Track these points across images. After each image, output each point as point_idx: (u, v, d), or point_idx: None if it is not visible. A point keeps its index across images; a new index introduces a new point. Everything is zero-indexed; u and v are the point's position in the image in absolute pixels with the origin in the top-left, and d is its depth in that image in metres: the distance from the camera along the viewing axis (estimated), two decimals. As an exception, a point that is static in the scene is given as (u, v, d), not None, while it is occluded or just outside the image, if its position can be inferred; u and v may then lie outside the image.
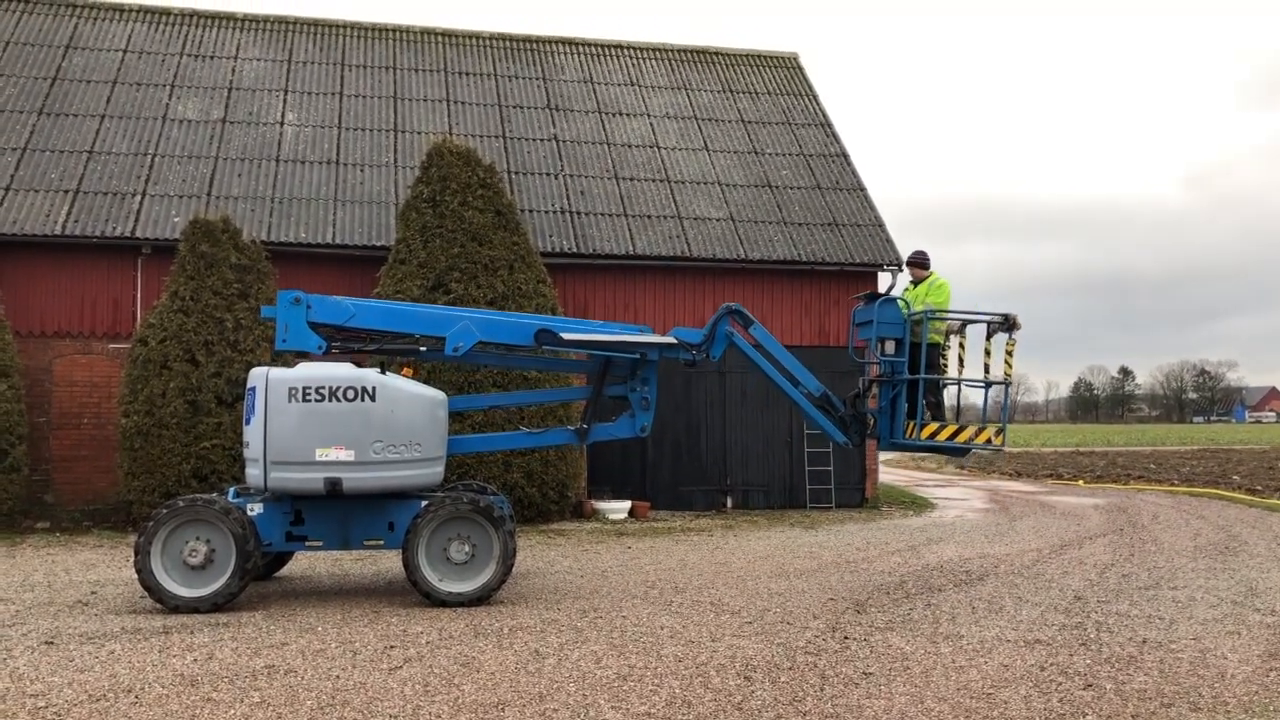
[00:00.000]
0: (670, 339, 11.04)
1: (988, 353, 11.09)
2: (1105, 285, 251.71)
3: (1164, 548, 14.52)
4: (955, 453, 11.57)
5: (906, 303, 11.25)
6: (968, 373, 11.54)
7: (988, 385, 11.17)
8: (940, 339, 11.32)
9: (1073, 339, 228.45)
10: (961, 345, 11.48)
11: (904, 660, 7.78)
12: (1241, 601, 10.36)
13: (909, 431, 10.92)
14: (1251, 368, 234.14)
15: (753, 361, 11.33)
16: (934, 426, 10.93)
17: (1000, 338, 11.03)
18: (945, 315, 11.28)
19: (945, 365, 11.35)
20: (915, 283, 11.88)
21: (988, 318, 11.06)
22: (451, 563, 9.89)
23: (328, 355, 10.49)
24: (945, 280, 11.68)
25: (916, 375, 10.92)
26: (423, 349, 10.77)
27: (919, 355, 10.97)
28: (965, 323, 11.40)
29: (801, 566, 12.64)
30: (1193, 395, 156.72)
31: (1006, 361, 11.01)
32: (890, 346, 11.12)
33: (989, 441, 10.99)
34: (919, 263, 11.99)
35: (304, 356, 10.98)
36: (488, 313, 11.89)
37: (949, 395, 11.55)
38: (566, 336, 10.71)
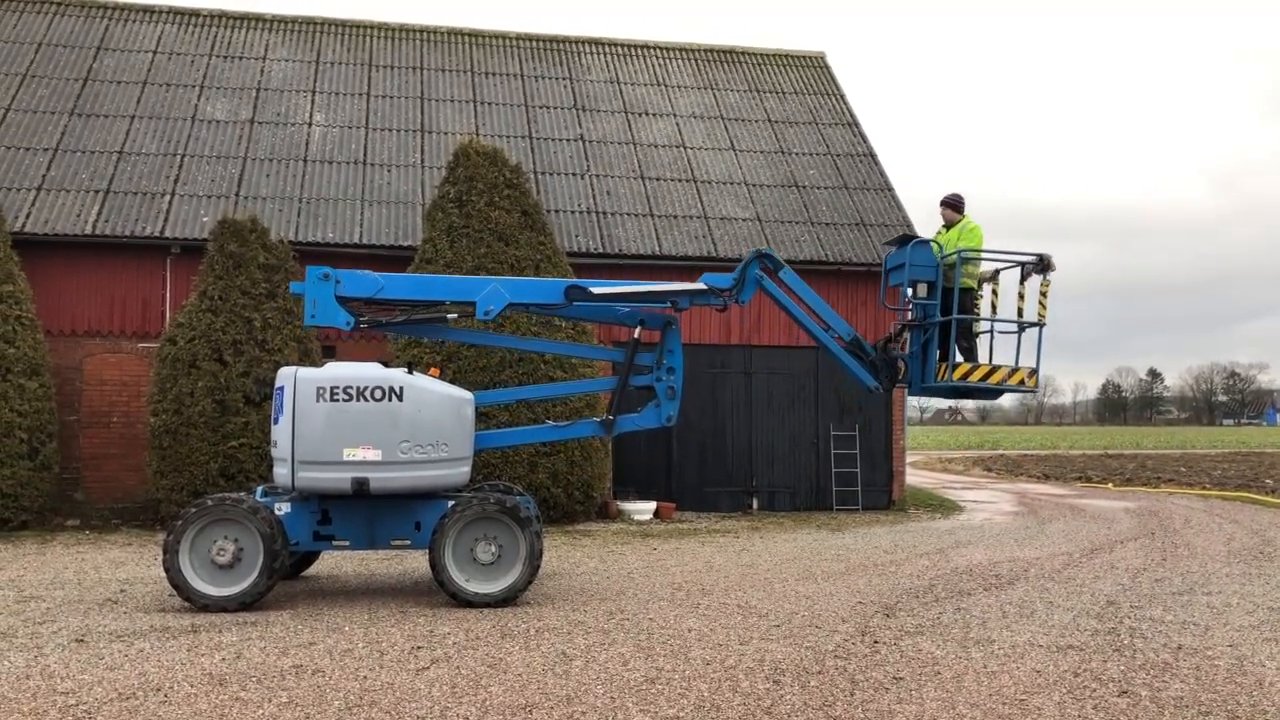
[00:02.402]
0: (700, 285, 10.95)
1: (1021, 296, 10.93)
2: (1131, 288, 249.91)
3: (1197, 552, 14.33)
4: (987, 395, 11.35)
5: (939, 245, 11.07)
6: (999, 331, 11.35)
7: (1022, 328, 11.00)
8: (973, 284, 11.14)
9: (1100, 341, 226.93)
10: (995, 293, 11.28)
11: (934, 665, 7.69)
12: (1278, 608, 10.20)
13: (941, 374, 10.79)
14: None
15: (782, 306, 11.22)
16: (966, 367, 10.81)
17: (1033, 280, 10.85)
18: (978, 256, 11.09)
19: (978, 312, 11.21)
20: (947, 226, 11.57)
21: (1021, 258, 10.90)
22: (478, 563, 9.87)
23: (356, 330, 10.49)
24: (977, 224, 11.39)
25: (948, 317, 10.76)
26: (451, 316, 10.69)
27: (951, 301, 10.81)
28: (998, 270, 11.23)
29: (829, 569, 12.55)
30: (1222, 397, 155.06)
31: (1041, 303, 10.83)
32: (923, 289, 10.93)
33: (1022, 383, 10.83)
34: (953, 204, 11.64)
35: (333, 356, 11.01)
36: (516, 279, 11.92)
37: (982, 345, 11.33)
38: (596, 291, 10.71)
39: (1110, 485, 28.78)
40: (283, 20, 23.42)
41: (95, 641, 8.17)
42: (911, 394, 11.61)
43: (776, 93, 24.41)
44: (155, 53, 21.72)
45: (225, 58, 22.04)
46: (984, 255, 11.13)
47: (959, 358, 10.95)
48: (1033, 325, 10.96)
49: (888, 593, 10.85)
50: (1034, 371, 10.91)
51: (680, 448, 19.63)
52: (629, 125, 22.53)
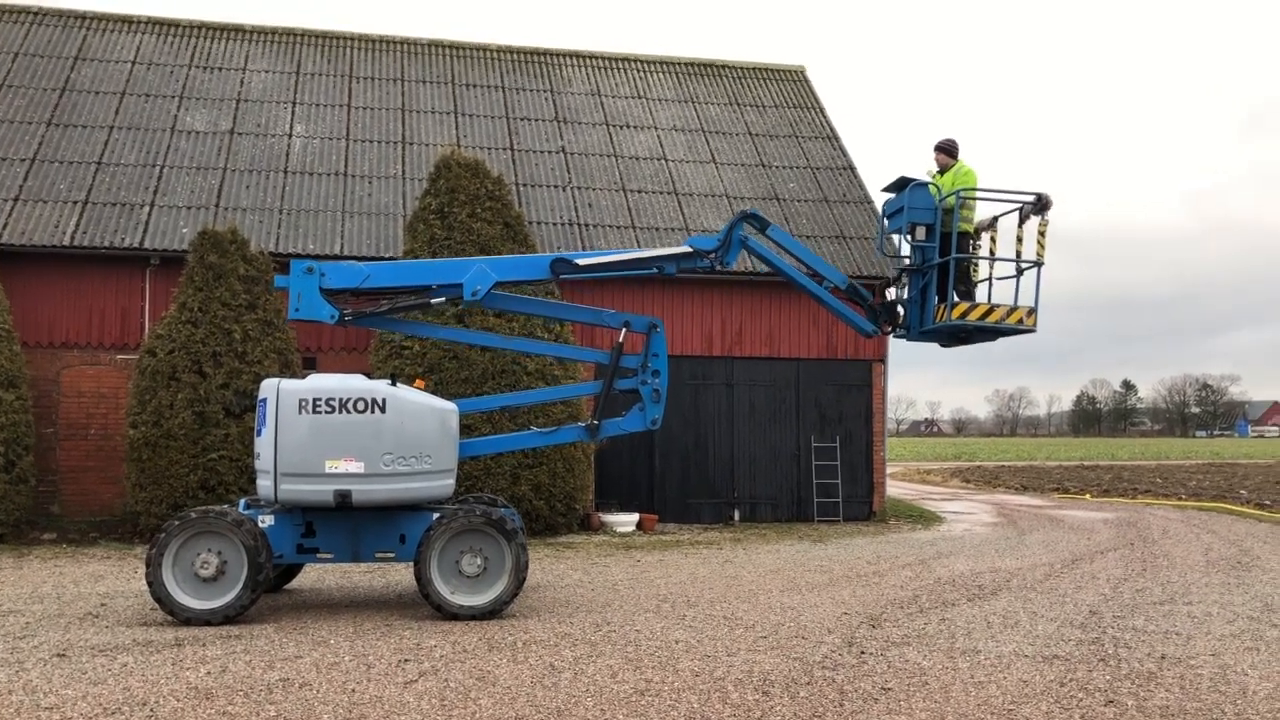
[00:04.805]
0: (686, 248, 10.93)
1: (1019, 240, 10.88)
2: (1104, 301, 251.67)
3: (1176, 563, 14.45)
4: (986, 335, 11.22)
5: (938, 187, 11.03)
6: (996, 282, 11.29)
7: (1020, 270, 10.93)
8: (970, 229, 11.11)
9: (1074, 353, 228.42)
10: (993, 240, 11.22)
11: (922, 676, 7.71)
12: (1258, 617, 10.30)
13: (939, 315, 10.75)
14: (1253, 382, 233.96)
15: (769, 263, 11.21)
16: (964, 306, 10.75)
17: (1031, 222, 10.80)
18: (975, 196, 11.07)
19: (975, 259, 11.19)
20: (941, 171, 11.47)
21: (1019, 198, 10.85)
22: (464, 575, 9.83)
23: (341, 324, 10.44)
24: (971, 168, 11.33)
25: (946, 257, 10.71)
26: (437, 300, 10.64)
27: (949, 246, 10.79)
28: (996, 217, 11.17)
29: (813, 580, 12.57)
30: (1195, 409, 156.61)
31: (1039, 243, 10.79)
32: (921, 232, 10.89)
33: (1020, 322, 10.79)
34: (946, 149, 11.54)
35: (314, 368, 10.95)
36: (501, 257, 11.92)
37: (981, 294, 11.26)
38: (581, 263, 10.72)
39: (1088, 496, 28.97)
40: (262, 31, 23.35)
41: (77, 656, 8.08)
42: (910, 339, 11.44)
43: (757, 106, 24.53)
44: (134, 63, 21.61)
45: (205, 68, 21.95)
46: (981, 196, 11.09)
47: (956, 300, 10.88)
48: (1032, 265, 10.89)
49: (872, 604, 10.88)
50: (1032, 310, 10.85)
51: (662, 459, 19.64)
52: (610, 138, 22.58)
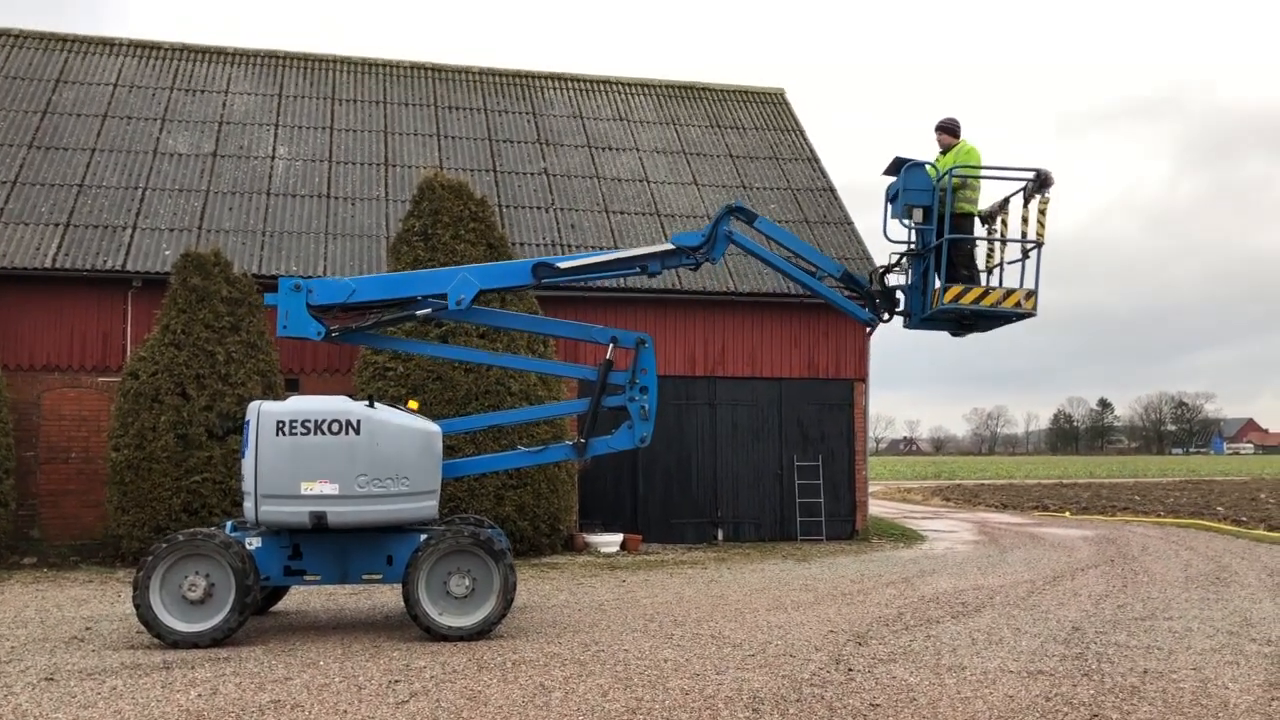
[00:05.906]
0: (669, 246, 10.79)
1: (1024, 219, 10.55)
2: (1079, 321, 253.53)
3: (1156, 579, 14.60)
4: (989, 320, 10.77)
5: (935, 167, 10.78)
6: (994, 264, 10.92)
7: (1025, 253, 10.55)
8: (972, 209, 10.78)
9: (1052, 372, 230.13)
10: (1004, 223, 10.89)
11: (909, 692, 7.78)
12: (1237, 632, 10.43)
13: (934, 300, 10.43)
14: (1227, 400, 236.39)
15: (758, 256, 11.11)
16: (958, 289, 10.29)
17: (1034, 200, 10.46)
18: (972, 174, 10.69)
19: (971, 240, 10.84)
20: (944, 151, 11.12)
21: (1018, 175, 10.47)
22: (452, 596, 9.84)
23: (327, 340, 10.47)
24: (974, 147, 10.92)
25: (942, 239, 10.34)
26: (423, 312, 10.63)
27: (951, 227, 10.43)
28: (1007, 198, 10.82)
29: (798, 599, 12.64)
30: (1171, 427, 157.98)
31: (1039, 221, 10.47)
32: (918, 215, 10.54)
33: (1018, 305, 10.41)
34: (948, 129, 11.18)
35: (297, 389, 10.97)
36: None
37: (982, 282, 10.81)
38: (564, 266, 10.68)
39: (1067, 513, 29.16)
40: (245, 54, 23.40)
41: (65, 680, 8.05)
42: (912, 327, 10.98)
43: (737, 128, 24.74)
44: (116, 85, 21.61)
45: (187, 91, 21.96)
46: (981, 171, 10.73)
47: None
48: (1033, 246, 10.51)
49: (858, 621, 10.95)
50: (1031, 293, 10.48)
51: (646, 479, 19.70)
52: (592, 159, 22.71)
